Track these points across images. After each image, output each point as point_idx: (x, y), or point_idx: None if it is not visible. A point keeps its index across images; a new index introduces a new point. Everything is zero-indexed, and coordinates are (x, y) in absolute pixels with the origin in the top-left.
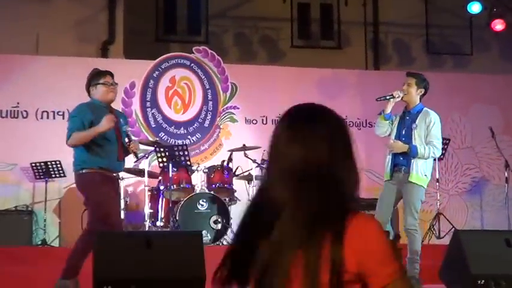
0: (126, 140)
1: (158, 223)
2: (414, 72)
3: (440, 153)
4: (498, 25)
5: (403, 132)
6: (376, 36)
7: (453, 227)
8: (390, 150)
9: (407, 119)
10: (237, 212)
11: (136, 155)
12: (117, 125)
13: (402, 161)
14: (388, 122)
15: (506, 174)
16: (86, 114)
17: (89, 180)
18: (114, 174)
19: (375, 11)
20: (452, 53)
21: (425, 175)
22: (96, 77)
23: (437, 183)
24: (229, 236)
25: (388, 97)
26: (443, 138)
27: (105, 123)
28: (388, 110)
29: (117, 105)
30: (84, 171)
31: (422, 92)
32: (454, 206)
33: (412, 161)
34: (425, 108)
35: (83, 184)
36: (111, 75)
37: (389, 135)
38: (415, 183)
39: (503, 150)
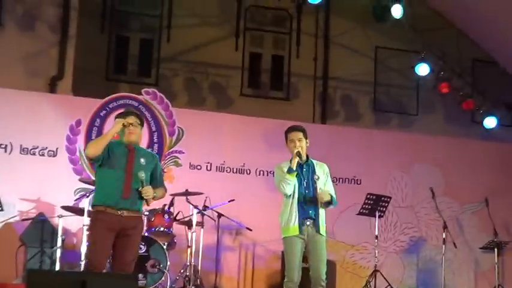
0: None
1: None
2: (294, 126)
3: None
4: (444, 88)
5: (305, 185)
6: (325, 90)
7: (389, 284)
8: (321, 197)
9: (304, 171)
10: (174, 257)
11: (147, 202)
12: (131, 164)
13: (311, 213)
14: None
15: (443, 235)
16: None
17: (91, 218)
18: (119, 213)
19: (325, 65)
20: (398, 112)
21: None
22: (118, 115)
23: (376, 240)
24: (164, 281)
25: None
26: (385, 196)
27: (114, 124)
28: (295, 167)
29: (61, 142)
30: (93, 208)
31: (308, 143)
32: (391, 263)
33: (319, 213)
34: (314, 160)
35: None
36: (136, 115)
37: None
38: (323, 235)
39: (443, 212)
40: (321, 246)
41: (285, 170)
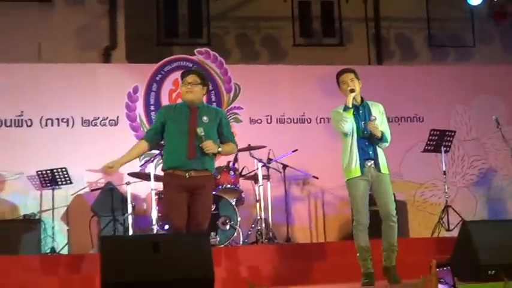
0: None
1: (166, 226)
2: (344, 69)
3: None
4: (499, 15)
5: (362, 126)
6: (378, 31)
7: (462, 219)
8: (372, 129)
9: (361, 113)
10: (244, 213)
11: (211, 155)
12: (193, 123)
13: (371, 154)
14: None
15: None
16: (160, 117)
17: (163, 181)
18: (187, 174)
19: (375, 6)
20: (454, 46)
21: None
22: (180, 76)
23: (444, 176)
24: (237, 237)
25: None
26: (449, 131)
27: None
28: (351, 104)
29: (121, 110)
30: (163, 172)
31: (361, 84)
32: (463, 198)
33: (378, 152)
34: (369, 101)
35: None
36: (196, 73)
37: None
38: (386, 173)
39: (510, 141)
40: (385, 184)
41: (341, 111)
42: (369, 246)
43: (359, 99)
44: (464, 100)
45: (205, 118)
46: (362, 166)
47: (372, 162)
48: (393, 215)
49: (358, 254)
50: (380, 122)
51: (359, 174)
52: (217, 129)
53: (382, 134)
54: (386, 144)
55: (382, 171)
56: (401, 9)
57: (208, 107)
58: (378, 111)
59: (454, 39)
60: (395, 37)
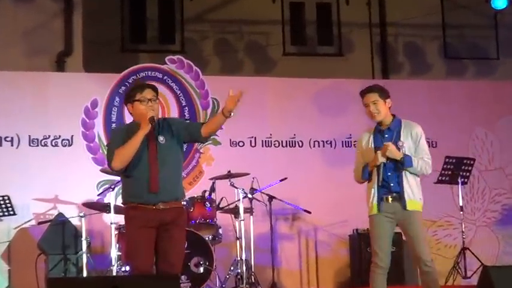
0: None
1: (128, 267)
2: (368, 87)
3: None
4: None
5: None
6: (384, 39)
7: (482, 264)
8: (384, 154)
9: (386, 137)
10: (222, 253)
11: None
12: (152, 146)
13: (393, 187)
14: None
15: None
16: (122, 135)
17: (125, 215)
18: (154, 207)
19: (381, 10)
20: (474, 58)
21: (420, 198)
22: (132, 92)
23: (461, 213)
24: (212, 282)
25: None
26: (468, 158)
27: (144, 126)
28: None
29: (76, 129)
30: (124, 205)
31: (390, 103)
32: (483, 239)
33: (404, 185)
34: (403, 120)
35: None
36: (152, 87)
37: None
38: (414, 211)
39: None
40: (412, 225)
41: (363, 143)
42: None
43: (387, 121)
44: (486, 122)
45: (161, 138)
46: (379, 203)
47: (395, 196)
48: (427, 260)
49: None
50: (414, 148)
51: (375, 212)
52: (182, 134)
53: (402, 157)
54: (418, 170)
55: (408, 208)
56: (412, 14)
57: (160, 123)
58: (409, 134)
59: (473, 50)
60: (404, 46)
